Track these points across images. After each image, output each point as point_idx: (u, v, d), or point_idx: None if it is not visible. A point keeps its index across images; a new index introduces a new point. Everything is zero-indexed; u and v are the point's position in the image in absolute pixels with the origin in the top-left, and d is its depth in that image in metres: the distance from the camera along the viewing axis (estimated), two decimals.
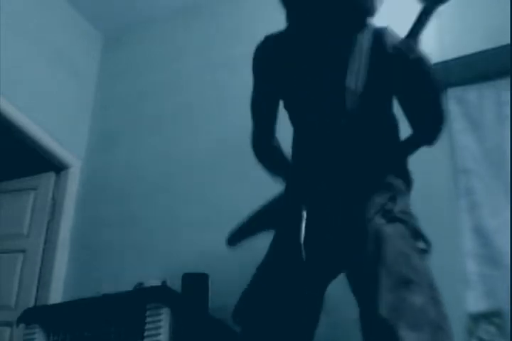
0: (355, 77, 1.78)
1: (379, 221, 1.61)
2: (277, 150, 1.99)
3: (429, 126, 1.84)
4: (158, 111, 3.73)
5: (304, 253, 1.66)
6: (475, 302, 2.48)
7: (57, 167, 3.70)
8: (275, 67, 1.90)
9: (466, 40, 2.97)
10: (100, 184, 3.65)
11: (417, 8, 1.72)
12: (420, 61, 1.74)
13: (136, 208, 3.42)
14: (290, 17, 1.85)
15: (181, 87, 3.74)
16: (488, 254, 2.57)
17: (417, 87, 1.77)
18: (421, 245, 1.65)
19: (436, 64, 2.89)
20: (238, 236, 1.88)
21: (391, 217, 1.62)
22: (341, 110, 1.77)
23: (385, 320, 1.41)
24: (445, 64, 2.92)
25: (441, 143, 2.77)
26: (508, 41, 2.77)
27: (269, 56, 1.91)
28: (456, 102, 2.97)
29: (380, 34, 1.82)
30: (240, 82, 3.63)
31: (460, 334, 2.35)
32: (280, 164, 1.98)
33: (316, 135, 1.84)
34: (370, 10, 1.79)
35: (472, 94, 2.96)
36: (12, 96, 3.37)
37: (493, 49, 2.86)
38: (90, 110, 3.98)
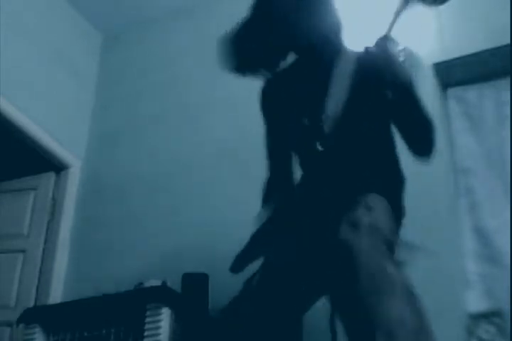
0: (335, 102, 1.81)
1: (349, 235, 1.59)
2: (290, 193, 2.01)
3: (417, 134, 1.85)
4: (158, 111, 3.73)
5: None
6: (475, 302, 2.48)
7: (57, 167, 3.70)
8: (276, 105, 2.00)
9: (466, 40, 2.97)
10: (100, 184, 3.65)
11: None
12: (390, 60, 1.75)
13: (136, 208, 3.42)
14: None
15: (181, 87, 3.74)
16: (488, 254, 2.57)
17: (393, 91, 1.79)
18: (400, 256, 1.64)
19: (436, 64, 2.92)
20: (241, 263, 1.89)
21: (361, 230, 1.59)
22: (321, 136, 1.80)
23: (364, 331, 1.40)
24: (445, 64, 2.93)
25: (441, 143, 2.79)
26: (508, 41, 2.77)
27: (270, 96, 2.04)
28: (456, 102, 2.97)
29: (363, 56, 1.84)
30: (240, 82, 3.63)
31: (460, 334, 2.36)
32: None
33: (304, 161, 1.92)
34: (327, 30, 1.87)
35: (472, 94, 2.96)
36: (12, 96, 3.37)
37: (493, 49, 2.86)
38: (90, 110, 3.98)
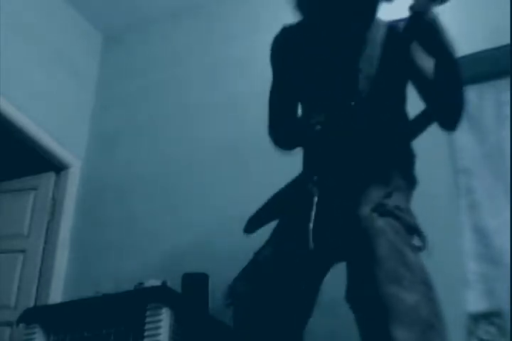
0: (369, 61, 1.79)
1: (372, 215, 1.59)
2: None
3: (449, 103, 1.81)
4: (158, 111, 3.73)
5: (311, 241, 1.66)
6: (475, 302, 2.48)
7: (57, 167, 3.70)
8: (291, 56, 1.91)
9: (466, 40, 2.97)
10: (100, 184, 3.65)
11: None
12: (434, 23, 1.72)
13: (136, 208, 3.42)
14: (303, 9, 1.85)
15: (181, 86, 3.74)
16: (488, 254, 2.56)
17: (432, 52, 1.76)
18: (416, 242, 1.63)
19: None
20: (255, 223, 1.87)
21: (384, 211, 1.60)
22: (353, 91, 1.77)
23: (377, 317, 1.41)
24: None
25: (441, 143, 2.79)
26: (508, 41, 2.76)
27: (285, 46, 1.93)
28: None
29: (394, 25, 1.83)
30: (241, 82, 3.64)
31: (460, 334, 2.36)
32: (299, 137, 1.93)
33: (326, 119, 1.82)
34: None
35: (472, 94, 2.96)
36: (12, 96, 3.37)
37: (493, 49, 2.85)
38: (90, 110, 3.98)
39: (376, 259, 1.48)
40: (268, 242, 1.81)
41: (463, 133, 2.89)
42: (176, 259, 3.04)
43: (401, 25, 1.80)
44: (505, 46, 2.80)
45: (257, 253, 1.80)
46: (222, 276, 2.74)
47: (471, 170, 2.79)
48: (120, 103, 3.93)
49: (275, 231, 1.83)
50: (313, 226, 1.69)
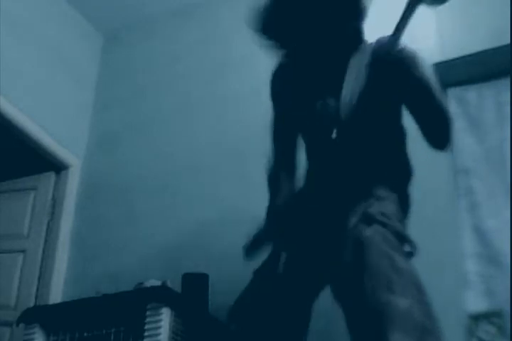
0: (351, 90, 1.81)
1: (359, 226, 1.61)
2: (287, 187, 1.98)
3: (434, 128, 1.84)
4: (158, 111, 3.73)
5: (281, 271, 1.73)
6: (475, 302, 2.48)
7: (57, 167, 3.70)
8: (286, 93, 1.98)
9: (466, 40, 2.97)
10: (100, 184, 3.65)
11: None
12: (402, 60, 1.74)
13: (137, 208, 3.42)
14: (286, 49, 1.93)
15: (181, 86, 3.74)
16: (488, 254, 2.56)
17: (409, 89, 1.79)
18: (406, 248, 1.65)
19: (436, 64, 2.92)
20: (254, 248, 1.89)
21: (370, 220, 1.62)
22: (336, 122, 1.80)
23: (371, 324, 1.42)
24: (445, 64, 2.93)
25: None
26: (508, 41, 2.77)
27: (280, 83, 2.01)
28: (456, 102, 2.97)
29: (378, 46, 1.84)
30: (240, 82, 3.64)
31: (460, 334, 2.36)
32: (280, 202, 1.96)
33: (316, 149, 1.90)
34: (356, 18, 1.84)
35: (472, 94, 2.96)
36: (12, 96, 3.37)
37: (493, 49, 2.86)
38: (90, 110, 3.98)
39: (366, 268, 1.50)
40: (265, 263, 1.84)
41: (463, 133, 2.89)
42: (175, 259, 3.04)
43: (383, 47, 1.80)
44: (505, 46, 2.80)
45: (254, 273, 1.83)
46: (222, 276, 2.75)
47: (471, 170, 2.79)
48: (120, 103, 3.92)
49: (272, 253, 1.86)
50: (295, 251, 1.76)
